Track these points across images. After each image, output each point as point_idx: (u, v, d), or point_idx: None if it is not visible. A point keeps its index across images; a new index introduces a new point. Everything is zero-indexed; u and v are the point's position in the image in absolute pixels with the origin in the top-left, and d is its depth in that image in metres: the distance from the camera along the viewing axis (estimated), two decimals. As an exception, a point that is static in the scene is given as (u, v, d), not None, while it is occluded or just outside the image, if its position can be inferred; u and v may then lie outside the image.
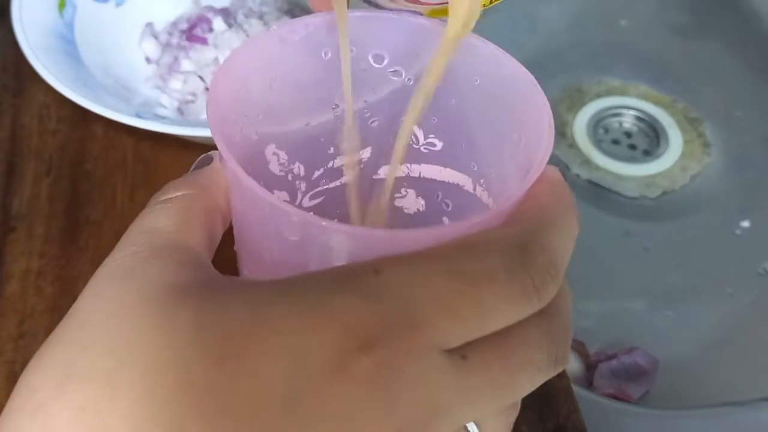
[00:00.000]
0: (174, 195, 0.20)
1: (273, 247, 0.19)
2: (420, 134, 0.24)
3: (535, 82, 0.20)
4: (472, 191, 0.23)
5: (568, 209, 0.19)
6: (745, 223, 0.68)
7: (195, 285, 0.17)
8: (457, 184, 0.24)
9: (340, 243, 0.17)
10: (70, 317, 0.17)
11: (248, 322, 0.15)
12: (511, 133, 0.21)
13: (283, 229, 0.18)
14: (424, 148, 0.24)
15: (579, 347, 0.58)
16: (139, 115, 0.37)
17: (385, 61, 0.22)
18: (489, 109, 0.22)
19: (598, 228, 0.68)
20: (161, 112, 0.44)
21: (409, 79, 0.22)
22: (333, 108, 0.23)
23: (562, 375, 0.32)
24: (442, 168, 0.24)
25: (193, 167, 0.21)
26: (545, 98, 0.20)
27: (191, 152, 0.41)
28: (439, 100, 0.22)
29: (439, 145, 0.24)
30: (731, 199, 0.70)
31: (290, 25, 0.21)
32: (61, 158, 0.41)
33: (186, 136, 0.37)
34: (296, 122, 0.23)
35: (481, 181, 0.23)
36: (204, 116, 0.44)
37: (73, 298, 0.36)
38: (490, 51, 0.21)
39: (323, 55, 0.22)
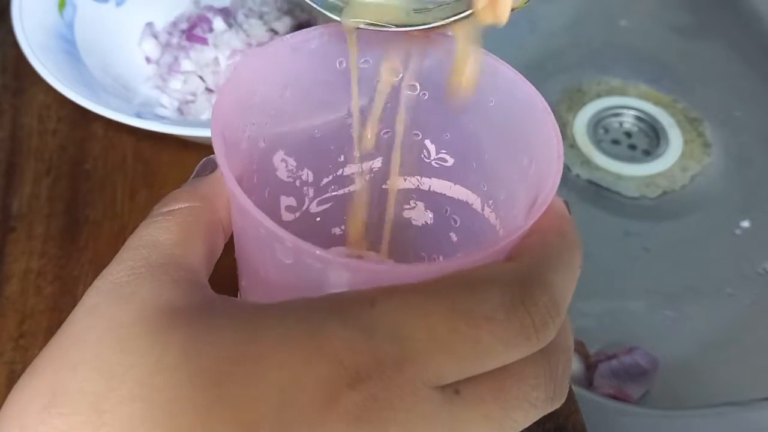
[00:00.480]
0: (176, 207, 0.19)
1: (268, 266, 0.19)
2: (432, 148, 0.24)
3: (549, 109, 0.20)
4: (480, 211, 0.23)
5: (572, 246, 0.19)
6: (745, 223, 0.68)
7: (189, 307, 0.17)
8: (466, 202, 0.24)
9: (335, 272, 0.17)
10: (63, 333, 0.17)
11: (240, 350, 0.15)
12: (521, 157, 0.21)
13: (277, 251, 0.18)
14: (435, 163, 0.24)
15: (579, 347, 0.58)
16: (139, 115, 0.38)
17: (401, 75, 0.22)
18: (501, 131, 0.22)
19: (598, 228, 0.68)
20: (161, 112, 0.44)
21: (424, 93, 0.22)
22: (345, 117, 0.23)
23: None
24: (452, 184, 0.24)
25: (195, 171, 0.21)
26: (557, 127, 0.19)
27: (191, 152, 0.41)
28: (452, 116, 0.22)
29: (450, 161, 0.24)
30: (731, 199, 0.70)
31: (304, 35, 0.21)
32: (61, 158, 0.41)
33: (186, 136, 0.37)
34: (307, 130, 0.23)
35: (490, 202, 0.23)
36: (204, 116, 0.44)
37: (73, 297, 0.36)
38: (507, 73, 0.21)
39: (338, 64, 0.22)
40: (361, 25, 0.20)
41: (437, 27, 0.19)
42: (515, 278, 0.17)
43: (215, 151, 0.18)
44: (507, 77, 0.21)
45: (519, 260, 0.18)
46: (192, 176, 0.21)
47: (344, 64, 0.22)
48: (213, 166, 0.21)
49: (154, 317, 0.16)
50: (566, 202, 0.20)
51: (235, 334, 0.15)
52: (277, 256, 0.18)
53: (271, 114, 0.22)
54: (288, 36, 0.21)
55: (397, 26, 0.20)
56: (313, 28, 0.21)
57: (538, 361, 0.17)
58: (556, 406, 0.18)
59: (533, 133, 0.20)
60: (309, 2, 0.20)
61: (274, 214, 0.24)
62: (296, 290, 0.18)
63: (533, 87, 0.20)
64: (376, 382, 0.15)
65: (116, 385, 0.15)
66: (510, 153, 0.21)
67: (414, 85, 0.22)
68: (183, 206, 0.19)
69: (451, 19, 0.19)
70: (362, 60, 0.22)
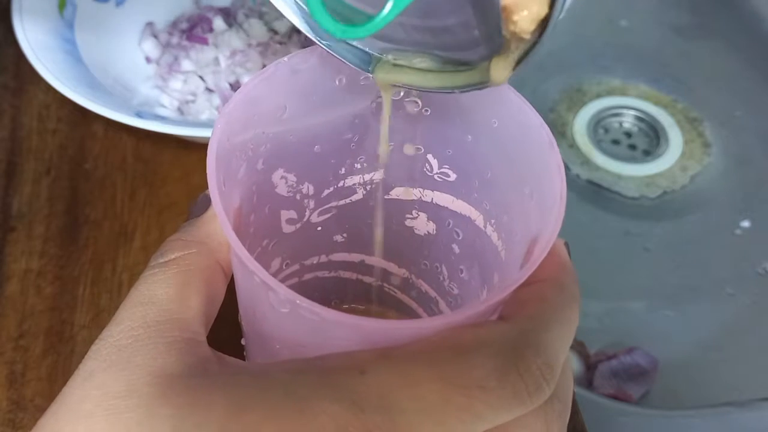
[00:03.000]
0: (172, 257, 0.19)
1: (264, 309, 0.19)
2: (434, 163, 0.24)
3: (555, 144, 0.19)
4: (482, 228, 0.23)
5: (571, 300, 0.18)
6: (745, 223, 0.68)
7: (180, 373, 0.17)
8: (469, 217, 0.24)
9: (330, 325, 0.17)
10: (60, 402, 0.17)
11: (228, 426, 0.15)
12: (523, 185, 0.20)
13: (273, 300, 0.18)
14: (438, 177, 0.24)
15: (579, 347, 0.58)
16: (139, 115, 0.38)
17: (401, 94, 0.22)
18: (504, 154, 0.21)
19: (598, 228, 0.68)
20: (161, 112, 0.44)
21: (426, 110, 0.23)
22: (345, 131, 0.23)
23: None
24: (454, 198, 0.24)
25: (191, 211, 0.21)
26: (561, 162, 0.19)
27: (191, 152, 0.41)
28: (455, 133, 0.22)
29: (452, 176, 0.24)
30: (731, 199, 0.70)
31: (302, 55, 0.21)
32: (61, 158, 0.41)
33: (186, 136, 0.37)
34: (307, 147, 0.23)
35: (492, 221, 0.23)
36: (204, 116, 0.44)
37: (73, 297, 0.36)
38: (512, 98, 0.20)
39: (337, 82, 0.22)
40: (394, 83, 0.21)
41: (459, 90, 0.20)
42: (507, 342, 0.16)
43: (211, 196, 0.18)
44: (512, 101, 0.20)
45: (512, 321, 0.17)
46: (189, 212, 0.21)
47: (344, 81, 0.22)
48: (208, 204, 0.20)
49: (145, 387, 0.16)
50: (567, 244, 0.20)
51: (224, 408, 0.16)
52: (274, 305, 0.18)
53: (269, 136, 0.21)
54: (286, 58, 0.21)
55: (424, 88, 0.20)
56: (310, 48, 0.21)
57: (534, 412, 0.17)
58: None
59: (536, 166, 0.20)
60: (341, 58, 0.20)
61: (274, 228, 0.24)
62: (292, 335, 0.18)
63: (539, 116, 0.20)
64: None
65: None
66: (512, 178, 0.21)
67: (416, 102, 0.22)
68: (179, 255, 0.20)
69: (472, 88, 0.19)
70: (362, 77, 0.22)
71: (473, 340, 0.16)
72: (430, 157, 0.24)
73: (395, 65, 0.20)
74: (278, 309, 0.18)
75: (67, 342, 0.34)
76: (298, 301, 0.16)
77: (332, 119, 0.23)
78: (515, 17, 0.16)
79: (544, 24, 0.16)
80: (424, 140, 0.23)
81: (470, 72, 0.19)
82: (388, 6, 0.16)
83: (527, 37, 0.17)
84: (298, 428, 0.15)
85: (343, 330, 0.17)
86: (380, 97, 0.22)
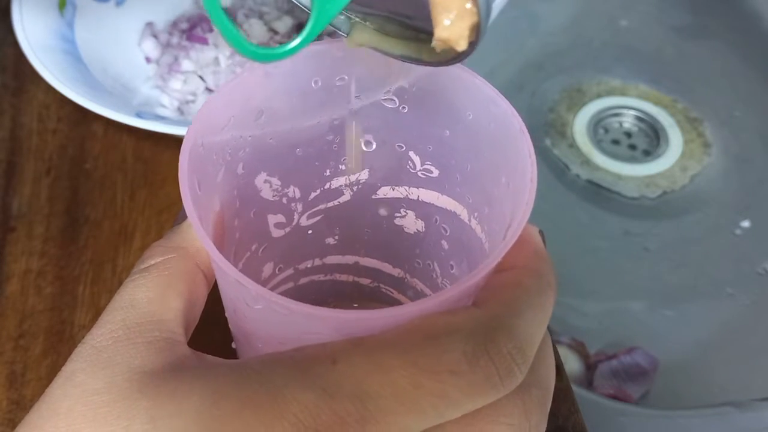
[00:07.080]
0: (153, 262, 0.20)
1: (242, 307, 0.19)
2: (417, 160, 0.24)
3: (525, 130, 0.19)
4: (467, 222, 0.23)
5: (546, 288, 0.18)
6: (745, 223, 0.68)
7: (159, 370, 0.17)
8: (454, 212, 0.24)
9: (302, 318, 0.17)
10: (43, 400, 0.18)
11: (203, 415, 0.16)
12: (500, 175, 0.21)
13: (247, 298, 0.18)
14: (421, 174, 0.24)
15: (579, 347, 0.58)
16: (139, 115, 0.38)
17: (379, 97, 0.22)
18: (481, 145, 0.21)
19: (598, 228, 0.68)
20: (161, 112, 0.44)
21: (403, 107, 0.23)
22: (326, 133, 0.23)
23: (562, 375, 0.32)
24: (439, 194, 0.24)
25: (175, 221, 0.21)
26: (531, 147, 0.19)
27: (191, 152, 0.41)
28: (433, 129, 0.23)
29: (435, 172, 0.24)
30: (731, 199, 0.70)
31: None
32: (61, 158, 0.41)
33: (186, 135, 0.37)
34: (288, 150, 0.23)
35: (475, 214, 0.23)
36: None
37: (73, 297, 0.36)
38: (484, 89, 0.21)
39: (313, 84, 0.22)
40: (365, 47, 0.21)
41: (429, 64, 0.20)
42: (478, 326, 0.16)
43: (182, 197, 0.18)
44: (484, 92, 0.21)
45: (485, 305, 0.17)
46: (173, 224, 0.21)
47: (319, 83, 0.22)
48: None
49: (124, 383, 0.17)
50: (542, 233, 0.20)
51: (200, 398, 0.16)
52: (248, 303, 0.18)
53: (248, 140, 0.22)
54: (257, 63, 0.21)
55: (389, 53, 0.20)
56: None
57: (512, 399, 0.17)
58: None
59: (510, 154, 0.20)
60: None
61: (263, 232, 0.24)
62: (268, 329, 0.19)
63: (510, 105, 0.20)
64: None
65: None
66: (490, 169, 0.21)
67: (392, 99, 0.22)
68: (159, 260, 0.20)
69: (434, 64, 0.19)
70: (338, 78, 0.22)
71: (445, 326, 0.16)
72: (412, 154, 0.24)
73: (367, 28, 0.21)
74: (253, 306, 0.18)
75: (67, 342, 0.34)
76: (267, 297, 0.16)
77: (312, 121, 0.23)
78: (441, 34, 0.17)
79: (476, 30, 0.17)
80: (404, 138, 0.23)
81: (430, 47, 0.19)
82: (301, 36, 0.17)
83: (460, 48, 0.17)
84: (272, 416, 0.15)
85: (316, 323, 0.17)
86: (358, 96, 0.22)
